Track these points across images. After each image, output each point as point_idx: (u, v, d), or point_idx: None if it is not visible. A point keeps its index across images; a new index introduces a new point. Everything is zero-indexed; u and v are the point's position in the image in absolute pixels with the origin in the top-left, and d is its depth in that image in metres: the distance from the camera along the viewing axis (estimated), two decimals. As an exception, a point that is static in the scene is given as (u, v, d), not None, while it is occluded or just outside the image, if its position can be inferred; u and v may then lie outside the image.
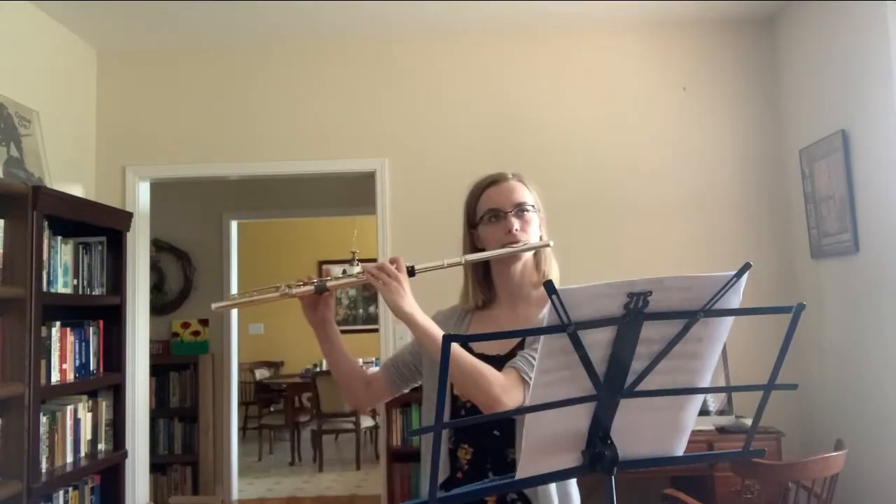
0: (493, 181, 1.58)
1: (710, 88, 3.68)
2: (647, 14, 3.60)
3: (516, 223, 1.52)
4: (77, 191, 3.53)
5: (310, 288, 1.45)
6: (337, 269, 8.32)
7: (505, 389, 1.34)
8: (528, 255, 1.56)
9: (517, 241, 1.50)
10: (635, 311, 0.94)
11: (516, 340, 1.48)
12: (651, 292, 0.93)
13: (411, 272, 1.44)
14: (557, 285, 1.60)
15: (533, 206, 1.56)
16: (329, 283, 1.45)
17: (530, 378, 1.35)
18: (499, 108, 3.71)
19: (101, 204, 3.29)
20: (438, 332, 1.37)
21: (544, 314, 1.52)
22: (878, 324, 2.89)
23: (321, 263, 8.56)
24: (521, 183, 1.58)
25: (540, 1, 3.39)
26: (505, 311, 1.58)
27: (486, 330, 1.56)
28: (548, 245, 1.54)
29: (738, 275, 0.96)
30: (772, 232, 3.60)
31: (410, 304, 1.40)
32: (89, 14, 3.39)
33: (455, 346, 1.35)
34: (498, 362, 1.43)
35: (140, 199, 3.79)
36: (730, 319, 1.01)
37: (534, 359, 1.36)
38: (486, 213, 1.55)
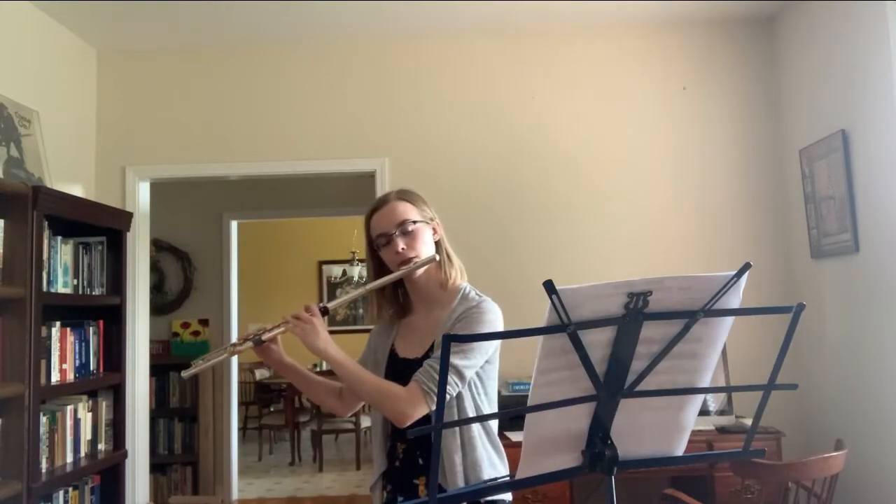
0: (376, 207, 1.71)
1: (710, 88, 3.68)
2: (648, 14, 3.60)
3: (401, 243, 1.65)
4: (77, 191, 3.53)
5: (249, 343, 1.64)
6: (337, 269, 8.32)
7: (410, 403, 1.51)
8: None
9: (407, 259, 1.64)
10: (635, 311, 0.94)
11: (429, 345, 1.63)
12: (651, 292, 0.93)
13: (325, 312, 1.61)
14: (465, 281, 1.69)
15: (416, 220, 1.67)
16: (264, 337, 1.65)
17: (430, 389, 1.50)
18: (498, 108, 3.71)
19: (101, 204, 3.28)
20: (349, 362, 1.58)
21: (452, 309, 1.63)
22: (878, 324, 2.88)
23: (321, 263, 8.55)
24: (403, 200, 1.70)
25: (540, 1, 3.39)
26: (422, 316, 1.72)
27: (410, 337, 1.71)
28: (433, 259, 1.66)
29: (738, 275, 0.96)
30: (772, 232, 3.59)
31: (325, 341, 1.57)
32: (89, 14, 3.39)
33: (359, 370, 1.60)
34: (416, 365, 1.59)
35: (140, 199, 3.79)
36: (729, 319, 1.01)
37: (434, 370, 1.51)
38: (376, 238, 1.69)
